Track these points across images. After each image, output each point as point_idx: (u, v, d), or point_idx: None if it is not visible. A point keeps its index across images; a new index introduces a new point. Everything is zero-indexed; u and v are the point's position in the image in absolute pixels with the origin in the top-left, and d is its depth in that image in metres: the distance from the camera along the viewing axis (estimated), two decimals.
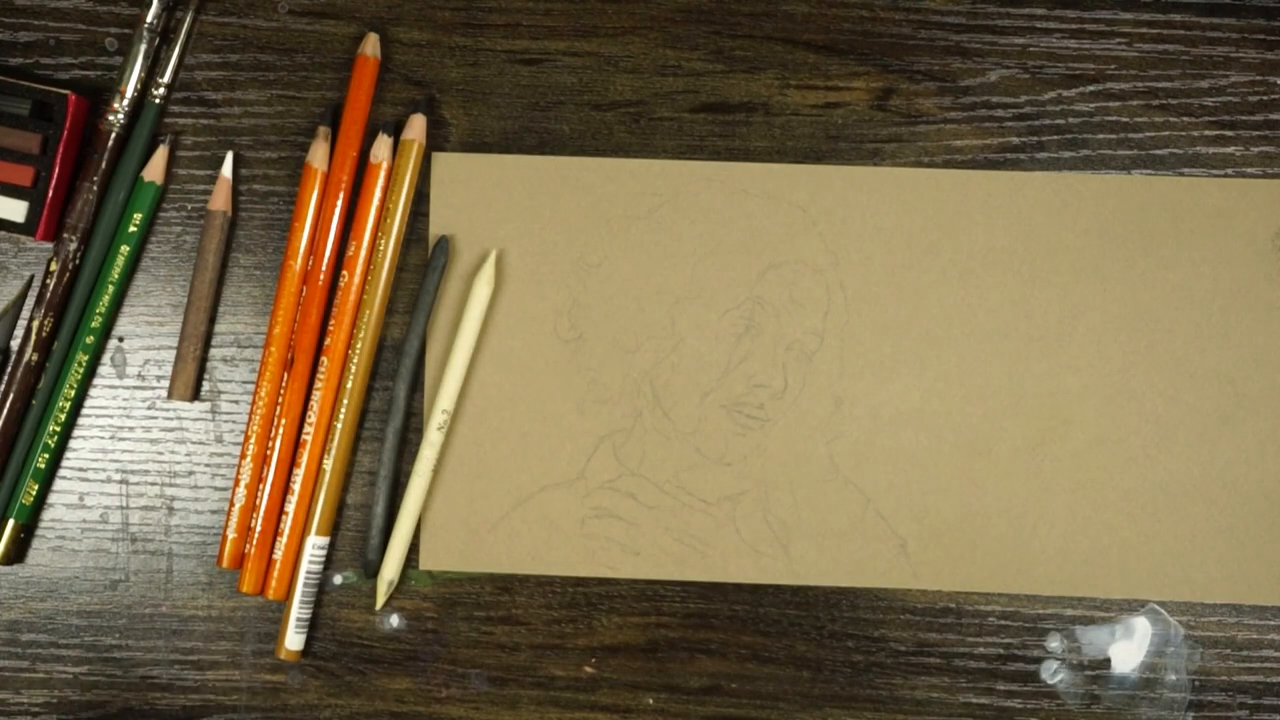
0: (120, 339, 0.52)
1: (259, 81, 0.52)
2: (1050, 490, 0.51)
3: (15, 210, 0.50)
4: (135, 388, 0.52)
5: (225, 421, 0.52)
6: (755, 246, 0.51)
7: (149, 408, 0.52)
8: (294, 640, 0.50)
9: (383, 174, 0.50)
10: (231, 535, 0.50)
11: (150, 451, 0.52)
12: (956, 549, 0.51)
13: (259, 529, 0.50)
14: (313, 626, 0.51)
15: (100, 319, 0.51)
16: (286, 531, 0.50)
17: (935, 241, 0.51)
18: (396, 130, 0.51)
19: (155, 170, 0.51)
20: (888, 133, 0.51)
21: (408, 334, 0.51)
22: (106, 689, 0.51)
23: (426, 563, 0.51)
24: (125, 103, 0.50)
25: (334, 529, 0.51)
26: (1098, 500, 0.51)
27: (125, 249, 0.51)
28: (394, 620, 0.51)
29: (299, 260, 0.50)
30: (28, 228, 0.50)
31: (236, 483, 0.50)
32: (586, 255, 0.51)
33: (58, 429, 0.51)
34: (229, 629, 0.51)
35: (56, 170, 0.50)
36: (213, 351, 0.52)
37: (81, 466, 0.52)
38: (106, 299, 0.51)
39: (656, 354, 0.51)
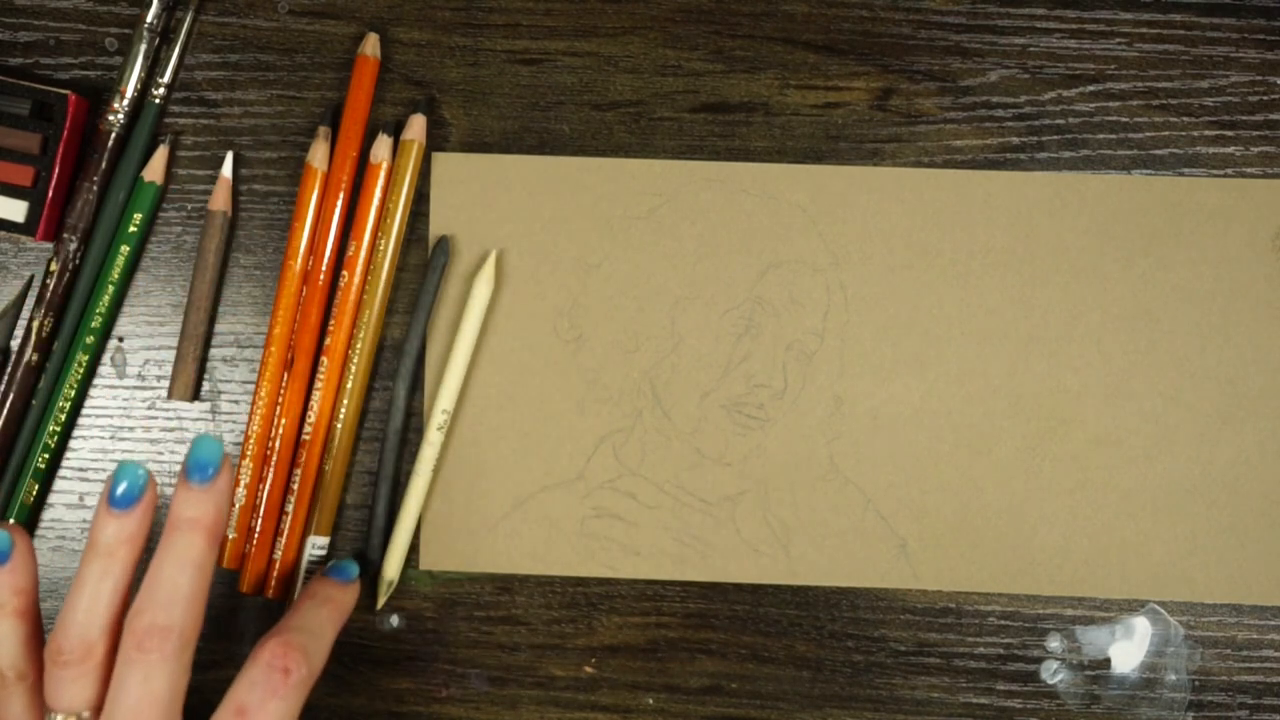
0: (120, 339, 0.52)
1: (259, 81, 0.52)
2: (1050, 490, 0.51)
3: (15, 210, 0.50)
4: (135, 388, 0.52)
5: (225, 421, 0.52)
6: (755, 246, 0.51)
7: (149, 408, 0.52)
8: None
9: (383, 174, 0.50)
10: (231, 535, 0.50)
11: (150, 451, 0.52)
12: (956, 549, 0.51)
13: (259, 529, 0.50)
14: None
15: (100, 319, 0.51)
16: (286, 531, 0.50)
17: (935, 241, 0.51)
18: (396, 130, 0.51)
19: (155, 170, 0.51)
20: (888, 133, 0.51)
21: (408, 334, 0.51)
22: None
23: (426, 563, 0.51)
24: (125, 103, 0.50)
25: (334, 529, 0.51)
26: (1098, 500, 0.51)
27: (125, 249, 0.51)
28: (394, 620, 0.51)
29: (299, 260, 0.50)
30: (28, 228, 0.50)
31: (236, 483, 0.50)
32: (586, 255, 0.51)
33: (58, 429, 0.51)
34: (229, 629, 0.51)
35: (56, 170, 0.50)
36: (213, 351, 0.52)
37: (81, 466, 0.52)
38: (106, 299, 0.51)
39: (656, 354, 0.51)
